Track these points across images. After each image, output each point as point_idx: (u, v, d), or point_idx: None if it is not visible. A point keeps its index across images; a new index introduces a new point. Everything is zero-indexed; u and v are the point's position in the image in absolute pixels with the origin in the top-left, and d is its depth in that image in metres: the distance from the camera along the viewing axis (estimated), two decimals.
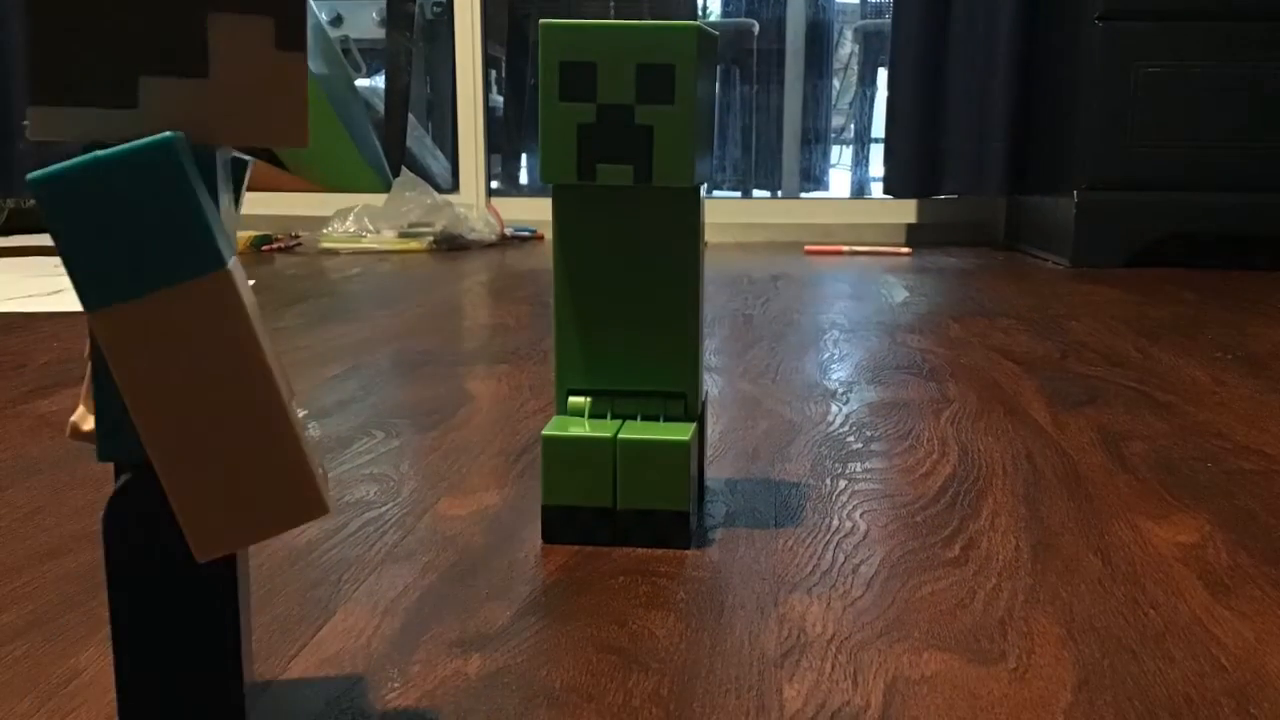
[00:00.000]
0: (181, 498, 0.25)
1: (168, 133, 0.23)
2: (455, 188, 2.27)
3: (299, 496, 0.25)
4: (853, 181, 3.18)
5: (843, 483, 0.59)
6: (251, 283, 0.26)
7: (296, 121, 0.26)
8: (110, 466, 0.28)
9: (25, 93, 0.25)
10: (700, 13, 2.84)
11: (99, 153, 0.23)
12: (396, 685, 0.36)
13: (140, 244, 0.23)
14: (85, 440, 0.30)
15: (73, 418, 0.31)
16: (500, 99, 2.76)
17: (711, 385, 0.83)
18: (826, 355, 0.95)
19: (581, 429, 0.49)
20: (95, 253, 0.23)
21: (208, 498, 0.25)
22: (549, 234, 0.51)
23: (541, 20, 0.48)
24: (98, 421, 0.27)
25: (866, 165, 3.07)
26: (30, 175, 0.23)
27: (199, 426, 0.24)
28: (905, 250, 1.96)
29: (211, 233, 0.24)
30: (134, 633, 0.28)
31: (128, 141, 0.24)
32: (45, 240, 1.80)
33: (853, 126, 3.14)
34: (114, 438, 0.26)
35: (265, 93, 0.25)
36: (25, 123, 0.25)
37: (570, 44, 0.47)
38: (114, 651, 0.28)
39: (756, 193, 2.92)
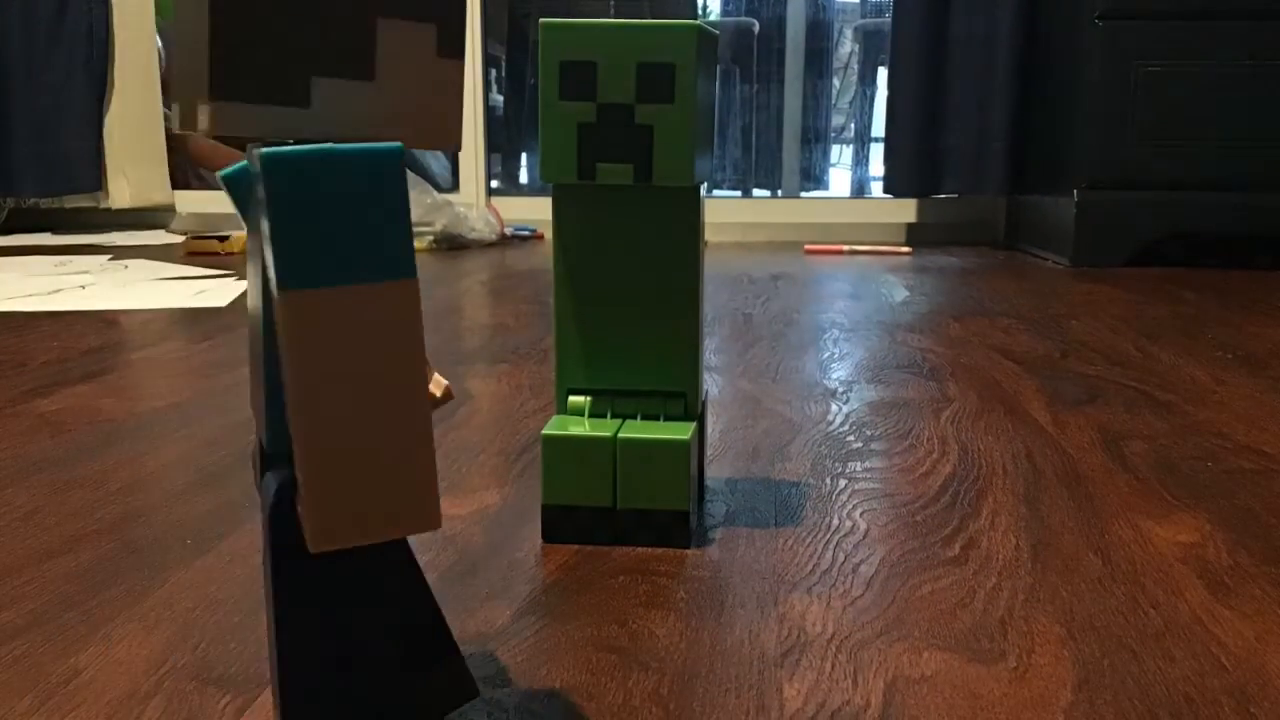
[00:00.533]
0: (315, 487, 0.25)
1: (395, 143, 0.25)
2: (455, 187, 2.27)
3: (421, 506, 0.26)
4: (853, 181, 3.18)
5: (843, 482, 0.59)
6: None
7: (453, 125, 0.27)
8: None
9: (194, 89, 0.25)
10: (700, 12, 2.84)
11: (332, 147, 0.24)
12: None
13: (348, 238, 0.24)
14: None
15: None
16: (500, 98, 2.76)
17: (711, 384, 0.83)
18: (826, 354, 0.95)
19: (581, 428, 0.49)
20: (305, 238, 0.24)
21: (338, 492, 0.25)
22: (549, 233, 0.51)
23: (541, 19, 0.48)
24: (268, 413, 0.27)
25: (866, 164, 3.07)
26: (263, 151, 0.23)
27: (350, 422, 0.25)
28: (905, 249, 1.96)
29: (411, 241, 0.25)
30: (297, 618, 0.28)
31: (301, 139, 0.25)
32: (45, 240, 1.80)
33: (853, 126, 3.14)
34: (283, 430, 0.27)
35: (425, 97, 0.26)
36: (166, 112, 0.25)
37: (570, 43, 0.47)
38: (275, 640, 0.28)
39: (756, 192, 2.92)
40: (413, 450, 0.26)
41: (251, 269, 0.29)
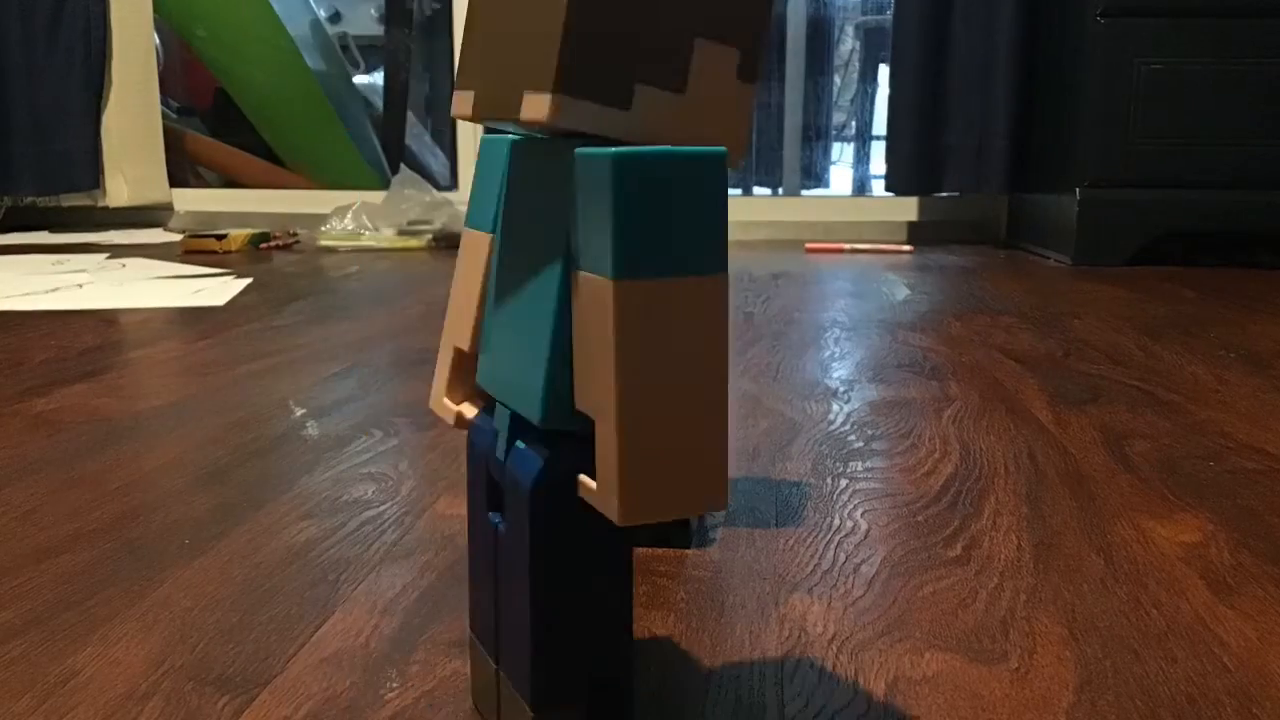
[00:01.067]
0: (632, 464, 0.26)
1: (719, 148, 0.27)
2: (454, 185, 2.26)
3: (713, 487, 0.27)
4: (854, 179, 3.17)
5: (844, 482, 0.58)
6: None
7: (740, 145, 0.29)
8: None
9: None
10: None
11: (672, 149, 0.26)
12: (395, 685, 0.36)
13: (677, 234, 0.26)
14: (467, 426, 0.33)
15: (458, 407, 0.33)
16: None
17: None
18: (827, 353, 0.95)
19: None
20: (643, 231, 0.26)
21: (649, 470, 0.27)
22: None
23: None
24: (549, 389, 0.29)
25: (868, 163, 3.06)
26: (613, 151, 0.25)
27: (663, 404, 0.27)
28: (907, 248, 1.96)
29: (726, 239, 0.27)
30: (554, 591, 0.30)
31: (616, 139, 0.27)
32: (42, 238, 1.80)
33: (854, 124, 3.14)
34: (560, 408, 0.29)
35: (721, 115, 0.29)
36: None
37: None
38: (531, 607, 0.30)
39: (757, 190, 2.92)
40: (712, 434, 0.27)
41: (515, 252, 0.31)
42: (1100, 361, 0.92)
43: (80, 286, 1.39)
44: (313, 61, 2.40)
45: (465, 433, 0.69)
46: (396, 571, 0.46)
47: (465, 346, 0.33)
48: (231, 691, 0.36)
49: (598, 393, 0.27)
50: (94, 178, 2.21)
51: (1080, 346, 0.99)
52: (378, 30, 2.62)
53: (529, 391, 0.29)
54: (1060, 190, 1.75)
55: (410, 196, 1.96)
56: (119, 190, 2.25)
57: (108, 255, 1.77)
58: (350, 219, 1.94)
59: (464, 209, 2.08)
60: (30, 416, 0.72)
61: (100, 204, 2.25)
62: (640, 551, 0.48)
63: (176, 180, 2.31)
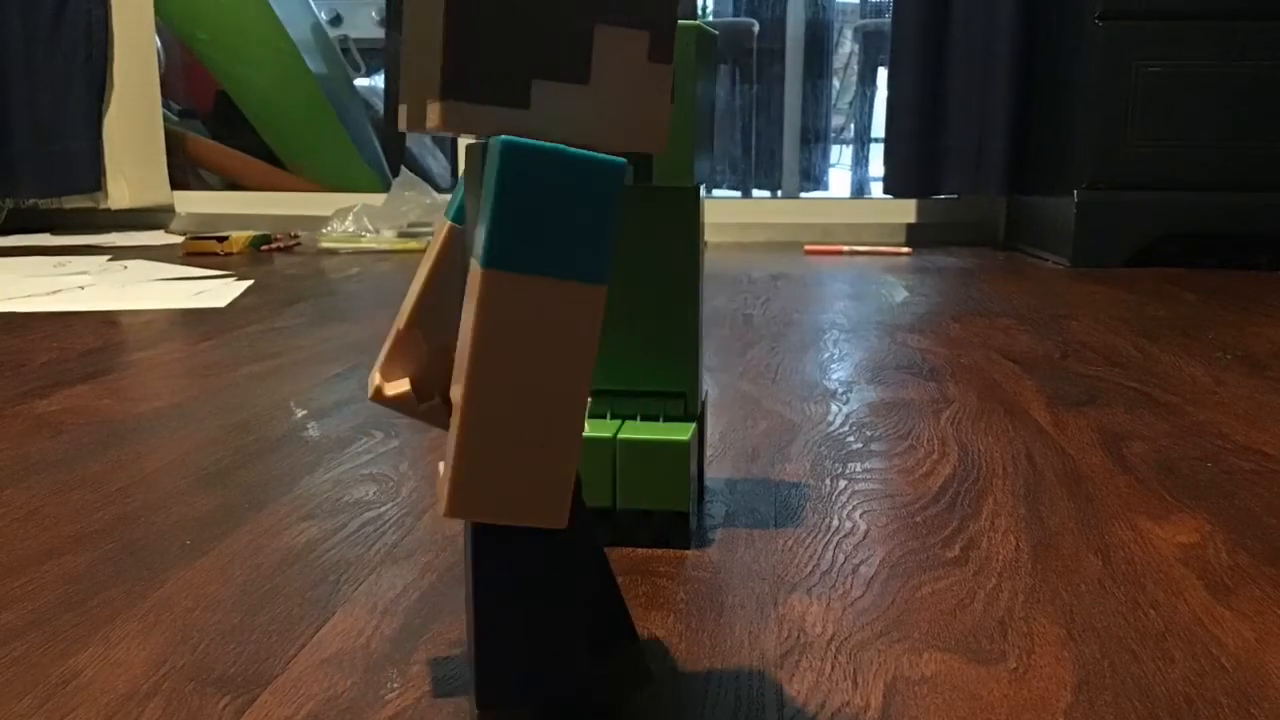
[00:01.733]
0: (464, 457, 0.26)
1: (619, 158, 0.26)
2: (454, 187, 2.26)
3: (553, 503, 0.27)
4: (852, 181, 3.18)
5: (843, 483, 0.59)
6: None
7: (659, 129, 0.28)
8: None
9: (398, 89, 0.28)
10: (700, 12, 2.84)
11: (564, 147, 0.25)
12: (396, 686, 0.36)
13: (558, 233, 0.26)
14: (389, 405, 0.33)
15: (377, 381, 0.33)
16: None
17: (711, 385, 0.83)
18: (826, 355, 0.95)
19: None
20: (520, 223, 0.25)
21: (484, 467, 0.26)
22: None
23: None
24: None
25: (866, 165, 3.07)
26: (502, 138, 0.25)
27: (513, 405, 0.26)
28: (905, 250, 1.96)
29: (612, 251, 0.26)
30: (494, 591, 0.30)
31: (525, 136, 0.26)
32: (44, 240, 1.80)
33: (853, 126, 3.14)
34: None
35: (634, 101, 0.28)
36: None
37: None
38: (475, 607, 0.30)
39: (756, 192, 2.92)
40: (560, 447, 0.27)
41: (465, 253, 0.31)
42: (1098, 363, 0.92)
43: (82, 288, 1.39)
44: (314, 64, 2.40)
45: None
46: (397, 572, 0.46)
47: (402, 326, 0.33)
48: (232, 692, 0.36)
49: (457, 382, 0.26)
50: (95, 180, 2.21)
51: (1078, 348, 0.99)
52: (378, 33, 2.62)
53: None
54: (1058, 192, 1.75)
55: (411, 199, 1.96)
56: (120, 192, 2.25)
57: (109, 257, 1.77)
58: (351, 221, 1.94)
59: None
60: (32, 418, 0.72)
61: (102, 206, 2.25)
62: (640, 552, 0.48)
63: (178, 182, 2.31)
